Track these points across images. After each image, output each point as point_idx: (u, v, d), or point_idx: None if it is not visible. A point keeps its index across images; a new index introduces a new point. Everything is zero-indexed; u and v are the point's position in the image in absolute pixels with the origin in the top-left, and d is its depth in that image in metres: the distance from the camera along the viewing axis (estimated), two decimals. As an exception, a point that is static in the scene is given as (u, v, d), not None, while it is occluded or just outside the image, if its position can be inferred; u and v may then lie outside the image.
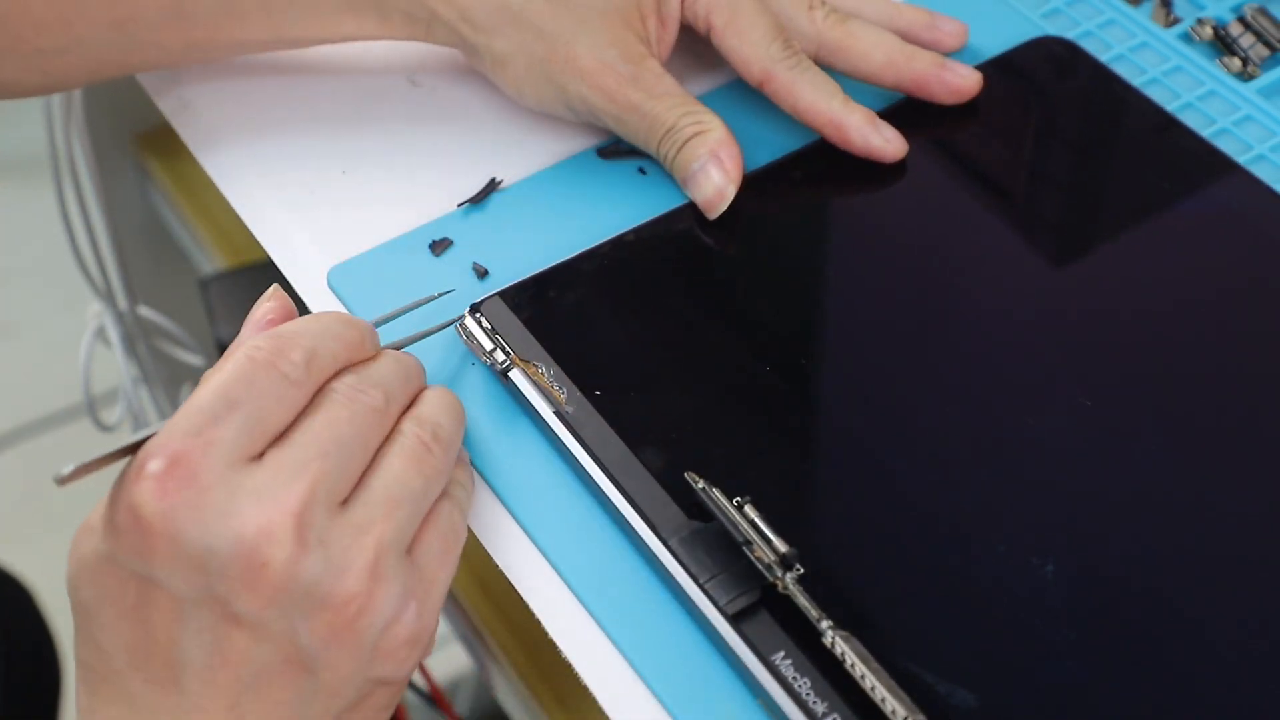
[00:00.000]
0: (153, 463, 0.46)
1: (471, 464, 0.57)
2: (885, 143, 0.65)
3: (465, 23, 0.64)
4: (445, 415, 0.53)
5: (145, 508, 0.45)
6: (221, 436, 0.46)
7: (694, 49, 0.69)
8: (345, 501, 0.49)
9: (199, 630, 0.47)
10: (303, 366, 0.49)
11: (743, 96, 0.68)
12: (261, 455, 0.47)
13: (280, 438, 0.48)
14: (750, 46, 0.65)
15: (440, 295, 0.60)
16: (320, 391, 0.50)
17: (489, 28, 0.64)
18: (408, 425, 0.51)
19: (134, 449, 0.47)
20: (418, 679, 0.90)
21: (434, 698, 0.89)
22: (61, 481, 0.46)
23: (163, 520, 0.45)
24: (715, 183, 0.63)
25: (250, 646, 0.47)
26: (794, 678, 0.50)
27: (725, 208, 0.63)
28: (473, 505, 0.55)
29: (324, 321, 0.51)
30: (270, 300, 0.53)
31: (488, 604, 0.83)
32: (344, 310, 0.62)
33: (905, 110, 0.68)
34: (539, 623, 0.54)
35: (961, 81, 0.67)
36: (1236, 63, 0.71)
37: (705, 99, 0.68)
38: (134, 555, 0.46)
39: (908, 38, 0.69)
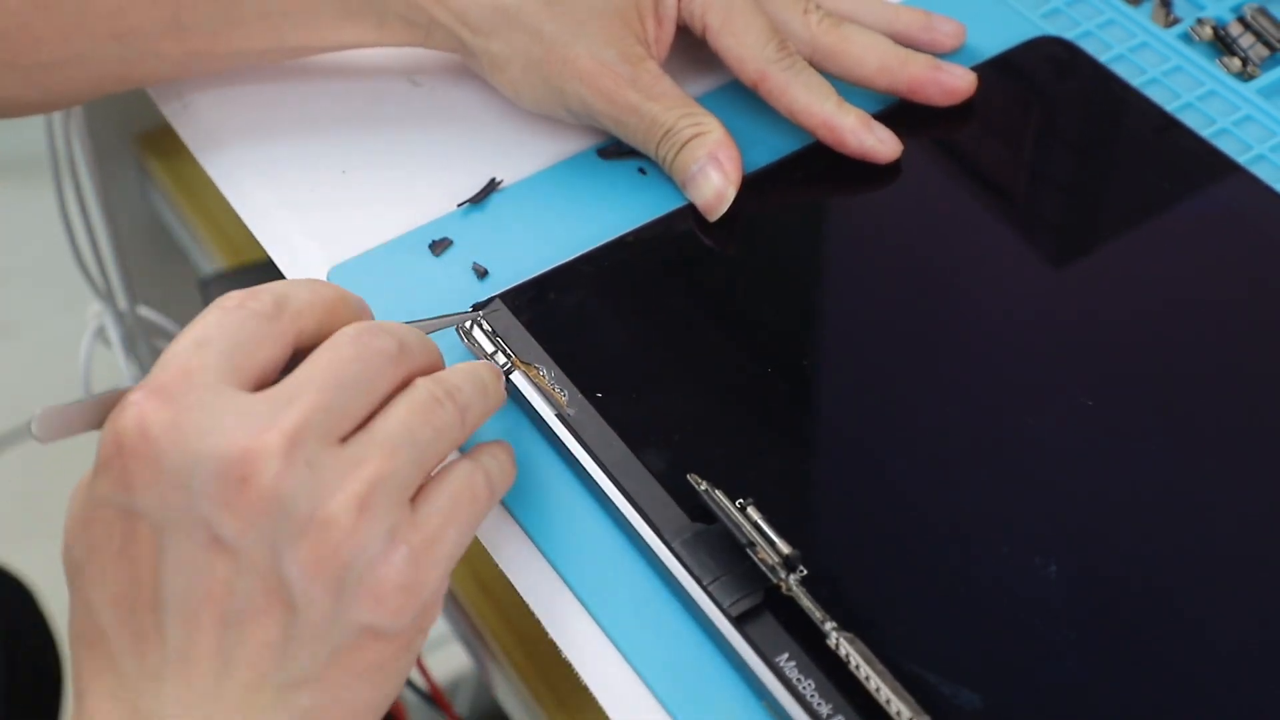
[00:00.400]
0: (134, 393, 0.45)
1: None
2: (879, 144, 0.65)
3: (463, 26, 0.64)
4: (467, 382, 0.51)
5: (126, 433, 0.45)
6: (202, 364, 0.46)
7: (691, 51, 0.69)
8: (344, 440, 0.47)
9: (180, 561, 0.45)
10: (271, 304, 0.48)
11: (740, 98, 0.68)
12: (260, 387, 0.47)
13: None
14: (745, 47, 0.65)
15: (458, 314, 0.60)
16: (336, 335, 0.49)
17: (486, 30, 0.64)
18: (422, 381, 0.50)
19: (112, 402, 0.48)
20: (418, 679, 0.90)
21: (434, 698, 0.89)
22: (39, 431, 0.47)
23: (142, 440, 0.45)
24: (715, 185, 0.63)
25: (232, 577, 0.45)
26: (798, 679, 0.50)
27: (725, 209, 0.63)
28: (508, 487, 0.53)
29: (293, 279, 0.51)
30: None
31: (488, 604, 0.83)
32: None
33: (904, 111, 0.68)
34: (539, 623, 0.54)
35: (957, 83, 0.67)
36: (1236, 63, 0.71)
37: (703, 100, 0.67)
38: (117, 486, 0.46)
39: (904, 40, 0.69)
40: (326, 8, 0.64)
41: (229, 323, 0.47)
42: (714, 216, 0.63)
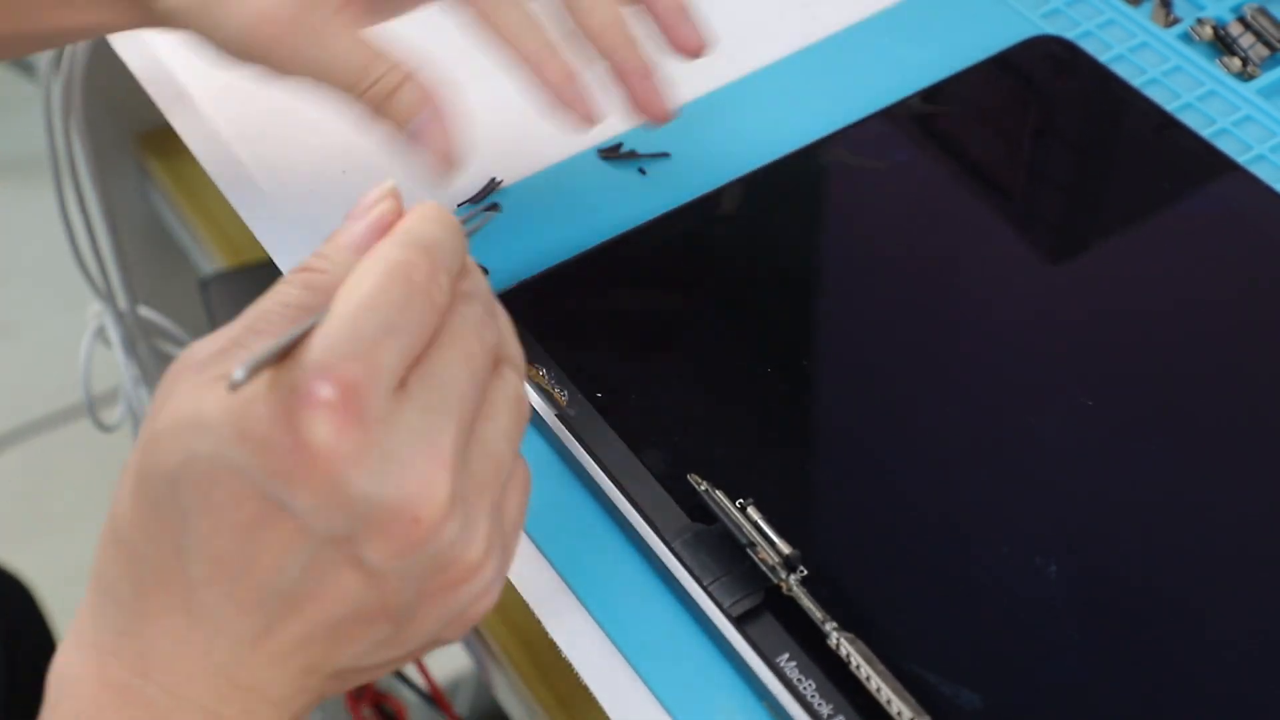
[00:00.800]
0: (324, 388, 0.42)
1: None
2: (575, 101, 0.59)
3: None
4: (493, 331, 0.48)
5: (318, 441, 0.42)
6: (384, 365, 0.43)
7: (664, 70, 0.68)
8: (467, 451, 0.46)
9: (313, 564, 0.44)
10: (449, 292, 0.45)
11: (737, 99, 0.68)
12: (404, 383, 0.44)
13: (418, 363, 0.45)
14: None
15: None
16: (449, 313, 0.46)
17: None
18: (510, 373, 0.48)
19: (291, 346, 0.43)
20: (417, 679, 0.90)
21: (434, 698, 0.89)
22: (235, 386, 0.42)
23: (332, 459, 0.42)
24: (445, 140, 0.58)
25: (358, 590, 0.44)
26: (798, 679, 0.50)
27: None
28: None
29: (450, 231, 0.46)
30: (387, 200, 0.48)
31: (488, 604, 0.83)
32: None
33: (904, 111, 0.68)
34: (539, 623, 0.54)
35: (654, 100, 0.60)
36: (1236, 63, 0.71)
37: (697, 102, 0.67)
38: (279, 479, 0.43)
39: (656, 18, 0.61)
40: None
41: (414, 311, 0.44)
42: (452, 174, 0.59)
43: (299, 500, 0.43)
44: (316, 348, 0.42)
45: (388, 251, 0.44)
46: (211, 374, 0.44)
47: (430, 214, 0.46)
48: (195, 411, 0.43)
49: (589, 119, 0.59)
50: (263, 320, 0.45)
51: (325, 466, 0.42)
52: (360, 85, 0.58)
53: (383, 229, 0.47)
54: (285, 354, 0.43)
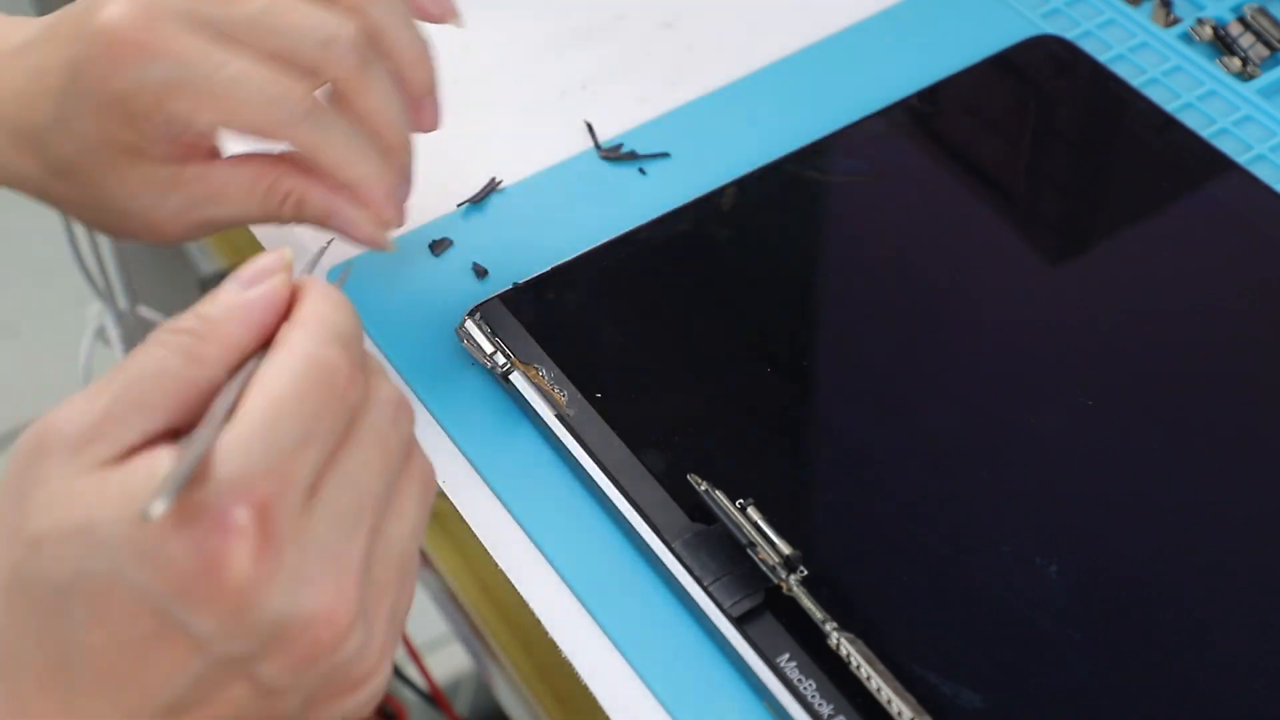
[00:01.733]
0: (240, 512, 0.39)
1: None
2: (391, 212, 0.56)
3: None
4: (409, 419, 0.46)
5: (230, 568, 0.39)
6: (300, 478, 0.40)
7: (678, 55, 0.68)
8: (370, 556, 0.43)
9: (204, 679, 0.41)
10: (361, 385, 0.42)
11: (732, 101, 0.68)
12: (315, 488, 0.41)
13: (329, 464, 0.42)
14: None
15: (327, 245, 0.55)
16: (363, 410, 0.43)
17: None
18: (417, 456, 0.45)
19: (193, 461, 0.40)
20: (418, 679, 0.90)
21: (434, 698, 0.89)
22: (153, 518, 0.39)
23: (242, 586, 0.39)
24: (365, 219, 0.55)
25: (247, 702, 0.42)
26: (799, 680, 0.50)
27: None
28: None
29: (354, 315, 0.44)
30: (281, 273, 0.44)
31: (488, 604, 0.83)
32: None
33: (903, 111, 0.68)
34: (539, 623, 0.54)
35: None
36: (1236, 63, 0.71)
37: (689, 108, 0.67)
38: (182, 602, 0.40)
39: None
40: None
41: (330, 416, 0.41)
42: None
43: (201, 624, 0.40)
44: (230, 462, 0.39)
45: (305, 346, 0.41)
46: (88, 459, 0.40)
47: (335, 298, 0.43)
48: (87, 523, 0.40)
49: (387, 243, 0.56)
50: (138, 390, 0.41)
51: (234, 593, 0.40)
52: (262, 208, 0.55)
53: (277, 306, 0.43)
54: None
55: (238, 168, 0.55)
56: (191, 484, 0.39)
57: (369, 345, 0.60)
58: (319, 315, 0.43)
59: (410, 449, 0.45)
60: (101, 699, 0.42)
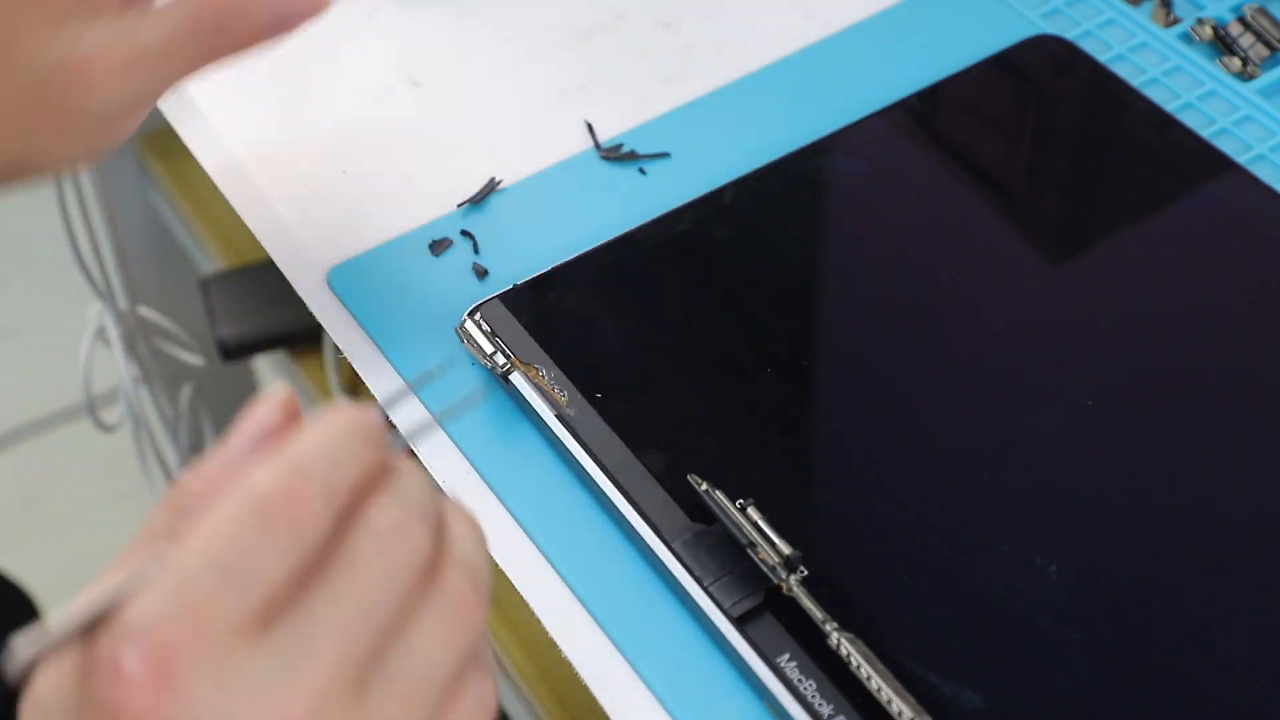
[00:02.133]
0: (129, 658, 0.36)
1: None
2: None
3: None
4: (481, 552, 0.41)
5: (123, 714, 0.36)
6: (213, 617, 0.36)
7: (680, 55, 0.68)
8: (363, 678, 0.38)
9: None
10: (322, 514, 0.38)
11: (730, 103, 0.68)
12: (268, 625, 0.37)
13: (296, 593, 0.38)
14: None
15: (438, 370, 0.56)
16: (350, 522, 0.39)
17: None
18: (451, 575, 0.40)
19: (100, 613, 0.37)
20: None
21: (435, 698, 0.89)
22: (14, 671, 0.37)
23: None
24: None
25: None
26: (799, 680, 0.50)
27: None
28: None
29: (341, 439, 0.40)
30: (273, 401, 0.41)
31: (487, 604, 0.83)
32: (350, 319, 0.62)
33: (903, 111, 0.68)
34: (539, 623, 0.54)
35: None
36: (1236, 63, 0.71)
37: (689, 107, 0.67)
38: None
39: None
40: None
41: (265, 548, 0.37)
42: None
43: None
44: (136, 608, 0.36)
45: (251, 478, 0.38)
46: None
47: (328, 421, 0.40)
48: (34, 684, 0.38)
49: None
50: (125, 555, 0.39)
51: None
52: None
53: (262, 444, 0.40)
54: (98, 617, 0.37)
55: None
56: (99, 632, 0.37)
57: (374, 361, 0.60)
58: (290, 445, 0.39)
59: (430, 571, 0.40)
60: None
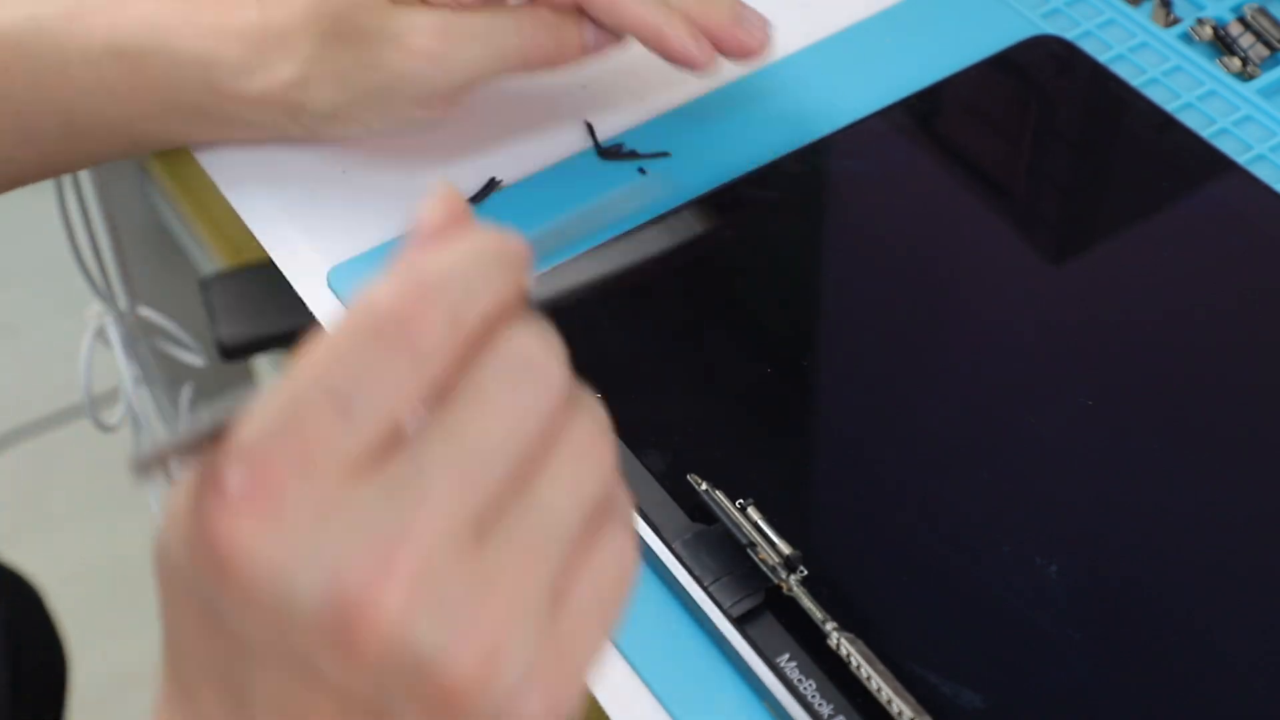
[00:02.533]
0: (232, 476, 0.33)
1: None
2: (699, 52, 0.61)
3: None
4: (590, 395, 0.38)
5: (221, 538, 0.34)
6: (319, 442, 0.33)
7: (664, 68, 0.68)
8: (481, 529, 0.35)
9: (271, 692, 0.35)
10: (446, 340, 0.34)
11: (730, 103, 0.68)
12: (380, 459, 0.34)
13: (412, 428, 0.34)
14: None
15: None
16: (478, 355, 0.35)
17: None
18: (581, 415, 0.37)
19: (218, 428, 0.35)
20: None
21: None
22: (138, 473, 0.35)
23: (238, 558, 0.33)
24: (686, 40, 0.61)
25: (333, 714, 0.35)
26: (799, 680, 0.50)
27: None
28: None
29: (477, 261, 0.36)
30: (435, 200, 0.38)
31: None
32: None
33: (903, 111, 0.68)
34: (541, 624, 0.54)
35: (749, 41, 0.63)
36: (1236, 63, 0.71)
37: (687, 108, 0.67)
38: (206, 584, 0.35)
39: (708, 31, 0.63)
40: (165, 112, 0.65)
41: (377, 371, 0.34)
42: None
43: (227, 616, 0.35)
44: (245, 423, 0.34)
45: (370, 294, 0.35)
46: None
47: (469, 239, 0.36)
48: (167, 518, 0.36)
49: (708, 62, 0.62)
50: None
51: (235, 568, 0.34)
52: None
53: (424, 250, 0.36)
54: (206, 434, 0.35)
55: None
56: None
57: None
58: (422, 259, 0.35)
59: (563, 409, 0.36)
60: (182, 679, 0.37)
